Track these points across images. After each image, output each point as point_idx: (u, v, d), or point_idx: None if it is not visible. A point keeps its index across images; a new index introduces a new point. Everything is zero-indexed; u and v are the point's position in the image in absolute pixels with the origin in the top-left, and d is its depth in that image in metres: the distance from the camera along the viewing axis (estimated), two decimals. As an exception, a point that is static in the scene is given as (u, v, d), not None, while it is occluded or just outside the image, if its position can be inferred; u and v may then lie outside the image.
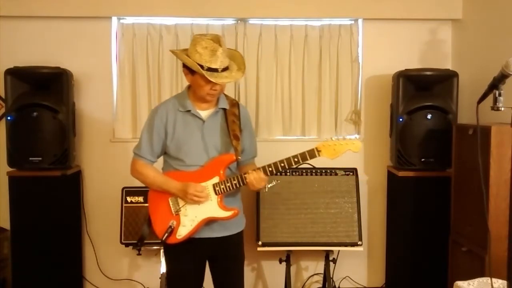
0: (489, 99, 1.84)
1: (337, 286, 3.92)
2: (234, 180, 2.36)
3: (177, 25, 3.80)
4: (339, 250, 3.58)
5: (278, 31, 3.84)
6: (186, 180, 2.35)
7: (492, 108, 1.82)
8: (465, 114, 3.57)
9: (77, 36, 3.78)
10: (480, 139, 2.69)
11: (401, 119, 3.51)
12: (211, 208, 2.37)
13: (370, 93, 3.92)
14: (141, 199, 3.49)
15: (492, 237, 2.70)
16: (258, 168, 2.36)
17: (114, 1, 3.71)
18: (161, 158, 2.51)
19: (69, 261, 3.63)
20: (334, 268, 3.64)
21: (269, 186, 3.44)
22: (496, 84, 1.79)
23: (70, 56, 3.75)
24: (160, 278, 3.43)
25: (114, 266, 3.91)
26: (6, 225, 3.62)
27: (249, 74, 3.84)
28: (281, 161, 2.35)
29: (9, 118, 3.45)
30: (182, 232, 2.37)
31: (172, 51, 2.50)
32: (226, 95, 2.52)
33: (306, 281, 3.96)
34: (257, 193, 3.46)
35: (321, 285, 3.84)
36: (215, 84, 2.28)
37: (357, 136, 3.93)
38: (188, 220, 2.37)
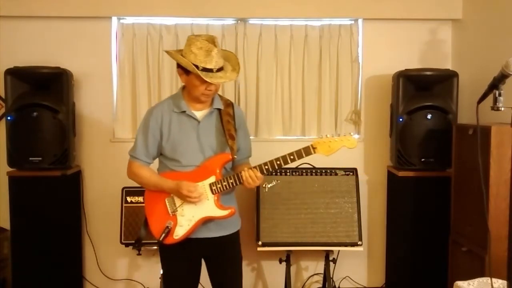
0: (489, 99, 1.84)
1: (337, 286, 3.92)
2: (230, 179, 2.36)
3: (177, 25, 3.80)
4: (339, 250, 3.58)
5: (278, 31, 3.84)
6: (182, 180, 2.35)
7: (492, 108, 1.82)
8: (465, 114, 3.57)
9: (77, 36, 3.78)
10: (480, 139, 2.69)
11: (401, 119, 3.51)
12: (208, 207, 2.37)
13: (370, 93, 3.92)
14: (141, 199, 3.49)
15: (492, 237, 2.70)
16: (254, 167, 2.35)
17: (114, 1, 3.71)
18: (156, 160, 2.51)
19: (69, 261, 3.63)
20: (334, 268, 3.64)
21: (269, 186, 3.44)
22: (496, 84, 1.79)
23: (70, 56, 3.75)
24: (160, 278, 3.42)
25: (114, 266, 3.91)
26: (6, 225, 3.62)
27: (249, 74, 3.85)
28: (277, 159, 2.35)
29: (9, 118, 3.45)
30: (180, 232, 2.37)
31: (167, 52, 2.49)
32: (220, 96, 2.52)
33: (306, 281, 3.96)
34: (257, 193, 3.46)
35: (321, 285, 3.84)
36: (210, 84, 2.29)
37: (357, 136, 3.92)
38: (185, 220, 2.37)
